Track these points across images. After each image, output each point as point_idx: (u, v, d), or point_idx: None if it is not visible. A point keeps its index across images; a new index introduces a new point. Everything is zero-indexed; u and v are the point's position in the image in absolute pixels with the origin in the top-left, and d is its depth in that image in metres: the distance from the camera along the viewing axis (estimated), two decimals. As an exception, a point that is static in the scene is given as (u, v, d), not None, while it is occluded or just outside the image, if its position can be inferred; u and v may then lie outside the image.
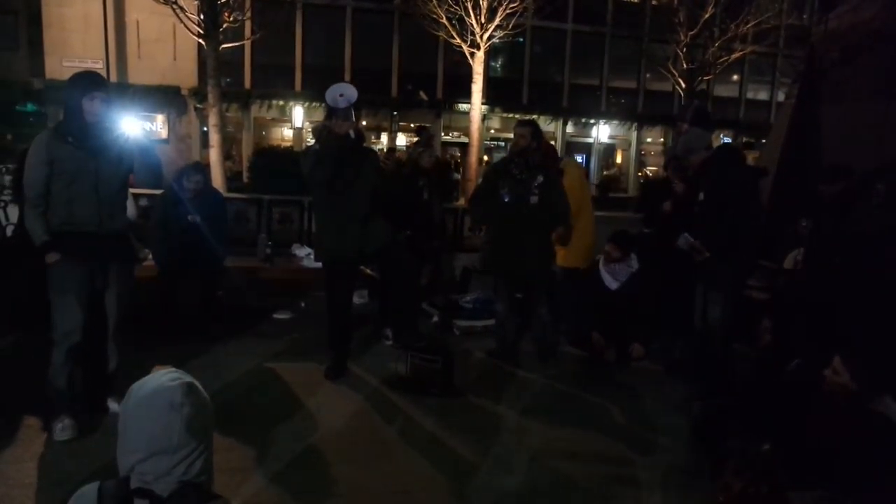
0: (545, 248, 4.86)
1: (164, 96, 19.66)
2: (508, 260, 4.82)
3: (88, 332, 3.45)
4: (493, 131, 24.32)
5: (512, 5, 16.60)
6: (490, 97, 20.94)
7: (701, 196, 4.44)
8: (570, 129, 24.46)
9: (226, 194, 8.99)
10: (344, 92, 4.25)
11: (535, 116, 23.28)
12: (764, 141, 12.87)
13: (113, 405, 3.48)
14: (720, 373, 4.30)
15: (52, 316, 3.37)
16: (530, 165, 4.73)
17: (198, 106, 19.25)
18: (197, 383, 1.44)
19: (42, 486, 2.86)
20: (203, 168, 5.62)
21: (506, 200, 4.73)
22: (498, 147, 24.96)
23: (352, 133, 4.31)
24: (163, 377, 1.41)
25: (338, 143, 4.23)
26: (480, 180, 5.60)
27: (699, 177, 4.51)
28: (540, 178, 4.71)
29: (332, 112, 4.30)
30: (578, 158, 24.22)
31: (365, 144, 4.83)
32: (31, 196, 3.35)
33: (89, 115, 3.33)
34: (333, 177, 4.24)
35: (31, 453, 3.15)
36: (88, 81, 3.40)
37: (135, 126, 3.34)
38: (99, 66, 18.25)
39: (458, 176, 19.02)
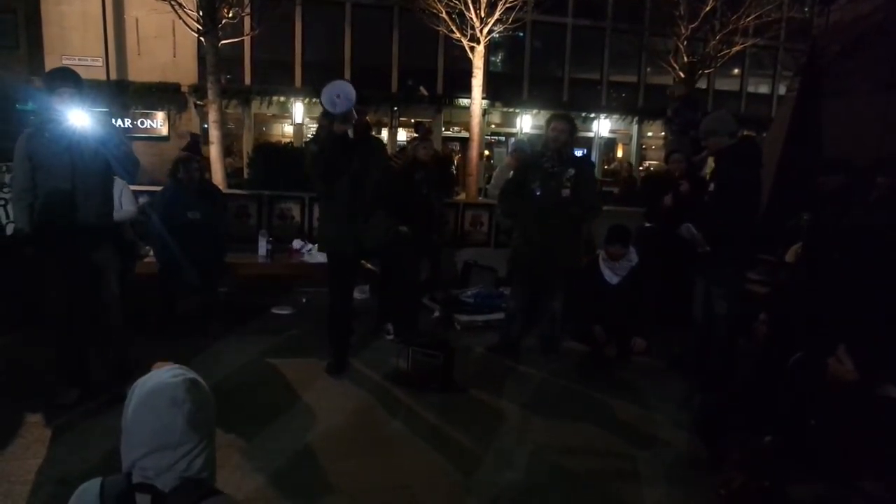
0: (572, 242, 4.84)
1: (164, 93, 19.60)
2: (535, 255, 4.79)
3: (78, 319, 3.61)
4: (493, 126, 24.25)
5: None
6: (490, 92, 20.86)
7: (711, 186, 4.35)
8: (570, 123, 24.35)
9: (226, 190, 8.98)
10: (341, 92, 3.92)
11: (535, 111, 23.40)
12: (765, 135, 12.83)
13: None
14: (722, 367, 4.29)
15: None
16: (563, 159, 4.71)
17: (198, 102, 19.18)
18: (200, 379, 1.44)
19: (44, 483, 2.87)
20: (194, 158, 5.62)
21: (537, 194, 4.71)
22: (499, 142, 24.92)
23: (350, 133, 4.12)
24: (165, 374, 1.41)
25: (338, 139, 4.12)
26: (511, 173, 5.57)
27: (718, 161, 4.32)
28: (571, 172, 4.68)
29: (330, 115, 4.01)
30: (578, 153, 24.15)
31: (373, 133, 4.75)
32: (16, 190, 3.52)
33: (57, 112, 3.42)
34: (332, 169, 4.19)
35: (34, 450, 3.15)
36: (55, 77, 3.48)
37: (84, 118, 3.30)
38: (98, 64, 18.25)
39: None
